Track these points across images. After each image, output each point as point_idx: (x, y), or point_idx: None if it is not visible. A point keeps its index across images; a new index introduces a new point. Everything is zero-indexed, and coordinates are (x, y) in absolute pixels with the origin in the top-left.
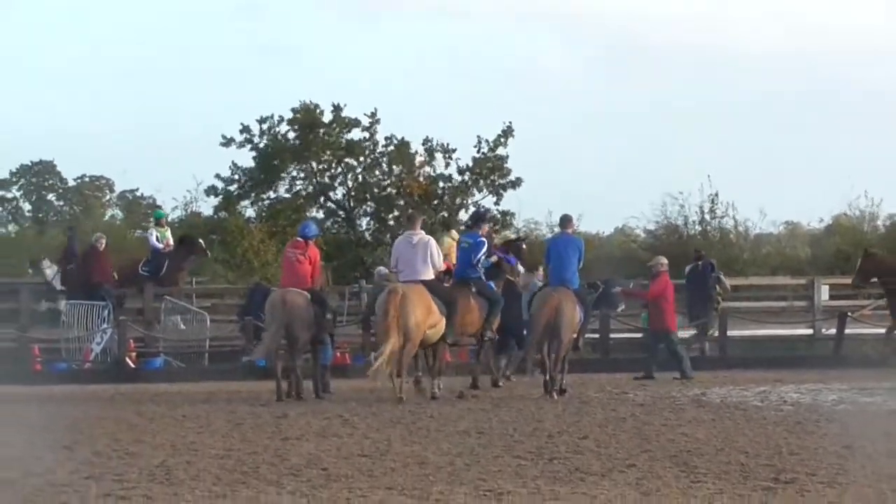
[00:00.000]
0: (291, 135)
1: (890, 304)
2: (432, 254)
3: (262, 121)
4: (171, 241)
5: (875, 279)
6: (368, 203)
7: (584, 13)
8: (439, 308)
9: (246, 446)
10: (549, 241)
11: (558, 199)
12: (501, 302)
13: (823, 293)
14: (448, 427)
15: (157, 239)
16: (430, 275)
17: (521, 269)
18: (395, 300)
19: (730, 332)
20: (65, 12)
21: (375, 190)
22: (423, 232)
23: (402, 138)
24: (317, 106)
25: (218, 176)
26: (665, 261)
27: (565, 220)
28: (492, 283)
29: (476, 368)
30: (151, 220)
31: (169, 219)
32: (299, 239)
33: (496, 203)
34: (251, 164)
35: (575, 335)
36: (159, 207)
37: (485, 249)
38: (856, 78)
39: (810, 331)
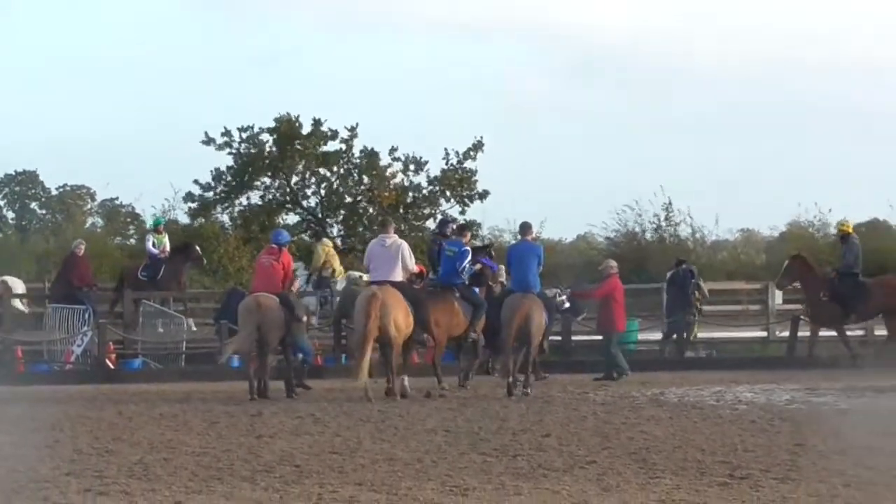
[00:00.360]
0: (270, 144)
1: (810, 307)
2: (404, 256)
3: (242, 129)
4: (168, 248)
5: (797, 282)
6: (340, 211)
7: (550, 30)
8: (410, 310)
9: (221, 444)
10: (510, 248)
11: (522, 206)
12: (485, 306)
13: (777, 297)
14: (416, 426)
15: (154, 245)
16: (400, 276)
17: (503, 272)
18: (375, 304)
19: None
20: (46, 25)
21: (347, 199)
22: (395, 236)
23: (371, 148)
24: (297, 118)
25: (196, 182)
26: (614, 263)
27: (525, 228)
28: (476, 289)
29: (468, 365)
30: (129, 226)
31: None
32: (273, 245)
33: (461, 213)
34: (230, 166)
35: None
36: (139, 215)
37: (469, 258)
38: (806, 92)
39: (764, 333)
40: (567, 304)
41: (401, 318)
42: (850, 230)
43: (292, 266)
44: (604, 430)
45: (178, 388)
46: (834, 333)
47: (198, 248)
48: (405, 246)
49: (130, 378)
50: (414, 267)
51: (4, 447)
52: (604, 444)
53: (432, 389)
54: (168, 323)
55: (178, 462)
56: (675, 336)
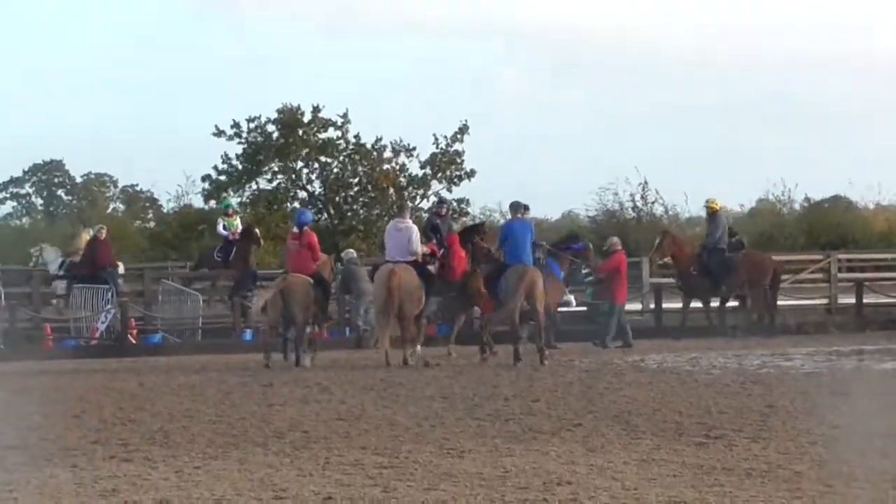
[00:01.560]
0: (275, 134)
1: (681, 280)
2: (411, 240)
3: (250, 120)
4: (240, 229)
5: (668, 258)
6: (340, 195)
7: (530, 28)
8: (422, 286)
9: (235, 412)
10: (504, 225)
11: (508, 187)
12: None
13: None
14: (416, 393)
15: (225, 227)
16: (410, 257)
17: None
18: (394, 279)
19: (665, 305)
20: (72, 29)
21: (347, 182)
22: (409, 221)
23: (358, 136)
24: (298, 107)
25: (215, 167)
26: (618, 240)
27: (516, 206)
28: (555, 265)
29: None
30: (148, 210)
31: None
32: (295, 230)
33: (448, 190)
34: (239, 156)
35: None
36: (157, 200)
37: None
38: (770, 84)
39: (736, 303)
40: (591, 277)
41: (414, 294)
42: (717, 208)
43: (318, 245)
44: (589, 394)
45: (195, 361)
46: (799, 303)
47: (257, 230)
48: (414, 231)
49: (151, 352)
50: (419, 250)
51: (35, 417)
52: (589, 408)
53: (429, 359)
54: (186, 300)
55: (196, 430)
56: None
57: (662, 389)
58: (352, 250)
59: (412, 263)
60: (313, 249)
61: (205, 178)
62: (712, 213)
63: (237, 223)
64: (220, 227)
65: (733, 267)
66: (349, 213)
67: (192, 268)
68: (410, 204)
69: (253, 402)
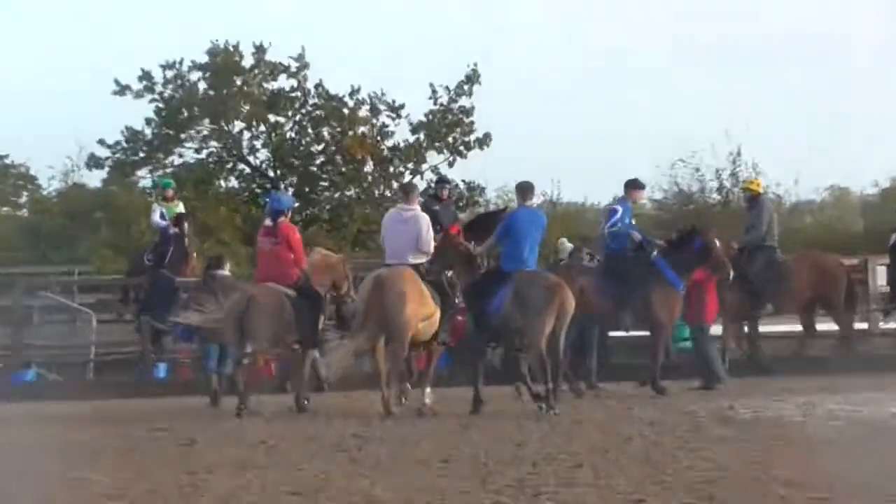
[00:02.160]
0: (203, 85)
1: None
2: (422, 234)
3: (166, 66)
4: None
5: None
6: (295, 169)
7: None
8: (433, 298)
9: (142, 483)
10: (507, 216)
11: (536, 163)
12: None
13: (879, 276)
14: (403, 454)
15: (163, 216)
16: (420, 258)
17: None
18: (379, 287)
19: (762, 328)
20: None
21: (307, 151)
22: (417, 207)
23: (321, 84)
24: (235, 47)
25: (101, 142)
26: None
27: (524, 190)
28: (671, 272)
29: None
30: (21, 192)
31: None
32: (267, 222)
33: (450, 164)
34: (151, 118)
35: None
36: (35, 178)
37: (617, 216)
38: None
39: (864, 324)
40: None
41: (415, 310)
42: (760, 190)
43: (300, 239)
44: (654, 457)
45: (85, 408)
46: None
47: (186, 221)
48: (425, 221)
49: (21, 394)
50: (431, 247)
51: None
52: (654, 477)
53: (422, 406)
54: (71, 320)
55: None
56: None
57: (760, 450)
58: (321, 248)
59: (418, 268)
60: (294, 248)
61: (90, 160)
62: (753, 198)
63: (181, 209)
64: (156, 216)
65: (785, 274)
66: (311, 196)
67: (126, 274)
68: (395, 181)
69: (167, 468)
